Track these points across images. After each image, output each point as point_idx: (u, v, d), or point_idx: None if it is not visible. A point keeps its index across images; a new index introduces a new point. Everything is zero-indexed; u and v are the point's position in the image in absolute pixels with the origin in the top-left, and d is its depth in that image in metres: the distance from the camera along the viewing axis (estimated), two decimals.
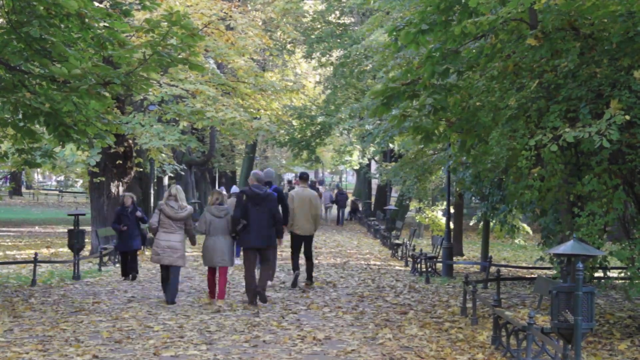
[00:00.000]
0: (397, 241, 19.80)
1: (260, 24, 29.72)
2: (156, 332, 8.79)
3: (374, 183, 38.41)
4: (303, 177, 13.32)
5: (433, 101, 9.71)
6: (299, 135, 35.60)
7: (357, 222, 35.83)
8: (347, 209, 38.73)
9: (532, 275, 14.66)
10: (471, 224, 22.88)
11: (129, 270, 13.92)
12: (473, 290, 9.65)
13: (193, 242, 11.36)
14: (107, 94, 9.80)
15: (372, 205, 37.34)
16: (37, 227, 29.50)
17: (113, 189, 17.81)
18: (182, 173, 27.48)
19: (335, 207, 36.83)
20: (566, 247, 6.45)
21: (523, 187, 9.50)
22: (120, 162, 17.76)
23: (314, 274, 13.26)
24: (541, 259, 13.36)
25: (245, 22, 20.17)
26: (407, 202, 27.68)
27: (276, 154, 57.21)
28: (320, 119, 33.78)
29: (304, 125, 34.74)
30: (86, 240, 15.56)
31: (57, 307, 10.53)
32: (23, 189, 53.43)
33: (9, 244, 21.40)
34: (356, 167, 42.50)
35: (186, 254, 11.62)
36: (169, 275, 10.89)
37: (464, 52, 9.53)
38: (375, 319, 9.88)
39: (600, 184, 8.55)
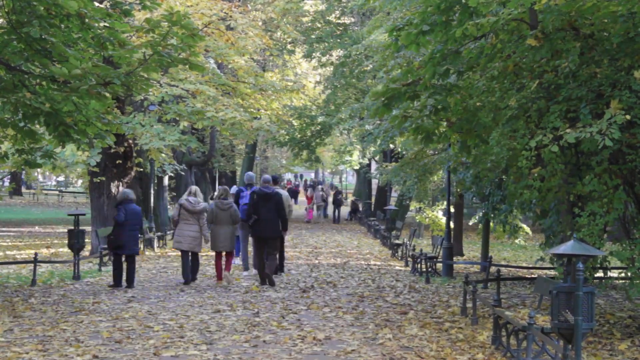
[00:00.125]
0: (397, 241, 19.80)
1: (260, 24, 29.74)
2: (156, 332, 8.79)
3: (374, 183, 38.40)
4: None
5: (434, 101, 9.71)
6: (299, 135, 35.61)
7: (357, 222, 35.84)
8: (347, 209, 38.75)
9: (532, 275, 14.66)
10: (471, 223, 22.88)
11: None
12: (473, 290, 9.65)
13: (205, 233, 13.19)
14: (107, 94, 9.80)
15: (372, 206, 37.34)
16: (37, 227, 29.50)
17: (113, 189, 17.80)
18: (182, 173, 27.47)
19: (330, 206, 37.05)
20: (566, 247, 6.45)
21: (523, 187, 9.50)
22: (120, 162, 17.76)
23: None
24: (542, 259, 13.37)
25: (246, 22, 20.18)
26: (407, 202, 27.68)
27: (276, 154, 57.27)
28: (320, 119, 33.79)
29: (304, 125, 34.75)
30: (86, 240, 15.56)
31: (57, 307, 10.53)
32: (23, 189, 53.45)
33: (9, 244, 21.40)
34: (356, 167, 42.50)
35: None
36: (188, 259, 13.06)
37: (464, 52, 9.52)
38: (375, 319, 9.88)
39: (600, 184, 8.55)
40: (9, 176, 36.95)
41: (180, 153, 25.94)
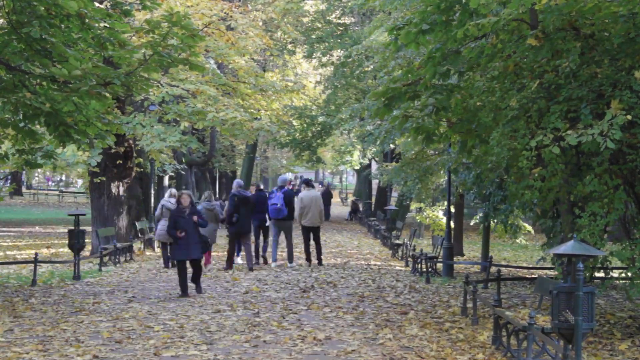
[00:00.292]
0: (397, 241, 19.79)
1: (260, 24, 29.73)
2: (156, 332, 8.79)
3: (374, 183, 38.38)
4: (308, 183, 17.46)
5: (435, 101, 9.70)
6: (300, 136, 35.59)
7: (358, 222, 35.83)
8: (347, 208, 38.70)
9: (533, 276, 14.66)
10: (472, 223, 22.87)
11: (193, 280, 11.94)
12: (473, 290, 9.65)
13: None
14: (107, 94, 9.80)
15: (373, 206, 37.33)
16: (37, 227, 29.51)
17: (113, 189, 17.80)
18: (183, 173, 27.48)
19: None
20: (567, 247, 6.45)
21: (524, 187, 9.50)
22: (121, 162, 17.76)
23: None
24: (543, 259, 13.36)
25: (246, 23, 20.18)
26: (408, 202, 27.68)
27: (276, 154, 57.23)
28: (320, 119, 33.77)
29: (305, 125, 34.74)
30: (86, 240, 15.56)
31: (57, 307, 10.53)
32: (23, 189, 53.47)
33: (9, 244, 21.41)
34: (357, 168, 42.49)
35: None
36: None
37: (464, 52, 9.52)
38: (375, 319, 9.88)
39: (601, 184, 8.55)
40: (10, 176, 36.95)
41: (180, 153, 25.95)
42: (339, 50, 31.85)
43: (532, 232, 19.16)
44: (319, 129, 34.84)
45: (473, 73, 10.46)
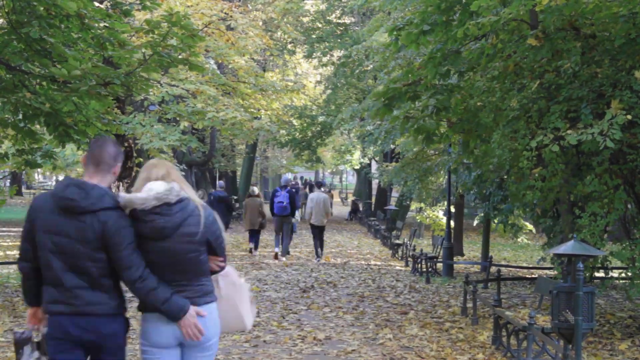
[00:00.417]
0: (397, 241, 19.79)
1: (260, 24, 29.71)
2: None
3: (374, 183, 38.37)
4: (319, 185, 20.07)
5: (436, 101, 9.70)
6: (300, 136, 35.58)
7: (358, 222, 35.82)
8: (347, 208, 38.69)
9: (533, 276, 14.66)
10: (475, 224, 22.86)
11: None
12: (473, 290, 9.64)
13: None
14: (107, 94, 9.79)
15: (373, 206, 37.31)
16: None
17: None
18: (183, 173, 27.50)
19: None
20: (567, 247, 6.45)
21: (525, 187, 9.50)
22: None
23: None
24: (542, 259, 13.35)
25: (246, 22, 20.16)
26: (408, 202, 27.67)
27: (276, 154, 57.22)
28: (321, 119, 33.77)
29: (305, 125, 34.73)
30: None
31: None
32: (23, 189, 53.45)
33: (9, 244, 21.39)
34: (357, 167, 42.48)
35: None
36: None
37: (464, 52, 9.52)
38: (375, 319, 9.88)
39: (601, 184, 8.55)
40: (10, 177, 36.95)
41: (180, 153, 25.94)
42: (339, 50, 31.85)
43: (534, 230, 19.16)
44: (319, 128, 34.84)
45: (473, 73, 10.46)
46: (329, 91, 33.71)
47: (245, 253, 18.57)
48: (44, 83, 9.95)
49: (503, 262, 17.78)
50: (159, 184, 3.84)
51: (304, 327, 9.25)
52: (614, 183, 8.57)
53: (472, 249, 22.22)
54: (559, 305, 6.43)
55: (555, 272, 10.78)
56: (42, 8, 8.93)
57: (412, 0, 13.23)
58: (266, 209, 19.22)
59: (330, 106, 32.31)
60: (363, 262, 17.69)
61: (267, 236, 22.56)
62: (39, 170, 42.85)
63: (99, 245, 3.77)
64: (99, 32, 9.33)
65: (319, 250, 17.80)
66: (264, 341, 8.36)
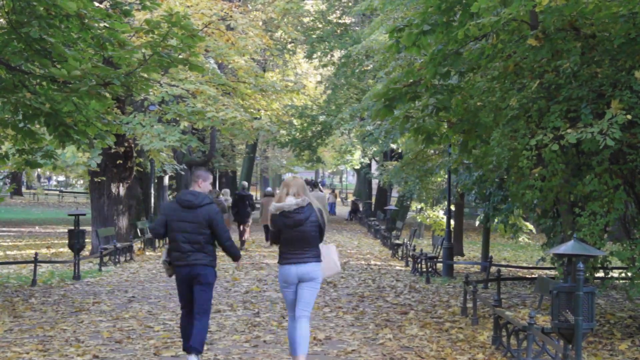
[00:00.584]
0: (397, 241, 19.78)
1: (260, 24, 29.71)
2: (157, 332, 8.79)
3: (374, 183, 38.38)
4: (317, 185, 21.85)
5: (436, 101, 9.70)
6: (300, 136, 35.56)
7: (358, 222, 35.83)
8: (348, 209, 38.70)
9: (533, 276, 14.66)
10: (477, 224, 22.86)
11: None
12: (473, 290, 9.64)
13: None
14: (107, 95, 9.80)
15: (373, 206, 37.32)
16: (37, 227, 29.50)
17: (113, 189, 17.81)
18: (183, 173, 27.48)
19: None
20: (567, 247, 6.44)
21: (525, 187, 9.49)
22: (121, 162, 17.76)
23: None
24: (543, 259, 13.35)
25: (246, 22, 20.15)
26: (408, 202, 27.67)
27: (276, 154, 57.20)
28: (321, 119, 33.76)
29: (305, 125, 34.72)
30: (86, 240, 15.56)
31: (57, 307, 10.53)
32: (23, 189, 53.47)
33: (9, 244, 21.40)
34: (357, 167, 42.47)
35: None
36: None
37: (465, 53, 9.52)
38: (375, 319, 9.88)
39: (601, 184, 8.54)
40: (10, 177, 36.93)
41: (180, 153, 25.93)
42: (339, 50, 31.84)
43: (534, 230, 19.15)
44: (319, 128, 34.83)
45: (473, 74, 10.46)
46: (329, 91, 33.70)
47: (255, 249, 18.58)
48: (44, 83, 9.95)
49: (503, 262, 17.78)
50: (292, 199, 6.87)
51: None
52: (614, 183, 8.57)
53: (472, 249, 22.22)
54: (559, 305, 6.42)
55: (556, 273, 10.78)
56: (42, 8, 8.93)
57: (411, 0, 13.24)
58: None
59: (331, 106, 32.30)
60: (363, 262, 17.69)
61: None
62: (38, 170, 42.82)
63: (205, 225, 6.94)
64: (99, 32, 9.33)
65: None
66: (264, 341, 8.36)
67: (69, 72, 9.16)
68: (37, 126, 11.14)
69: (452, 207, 18.54)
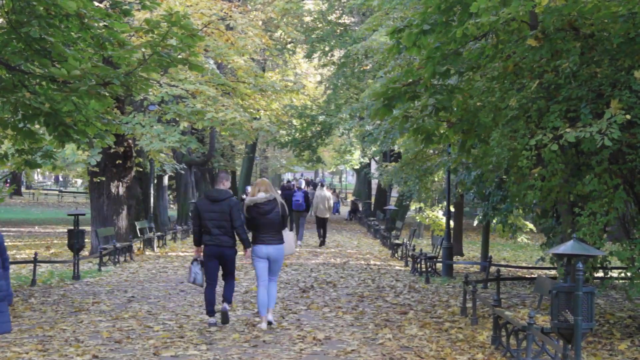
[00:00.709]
0: (397, 241, 19.78)
1: (260, 24, 29.70)
2: (156, 332, 8.79)
3: (374, 183, 38.37)
4: (321, 183, 24.62)
5: (435, 101, 9.69)
6: (300, 136, 35.57)
7: (357, 222, 35.83)
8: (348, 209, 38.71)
9: (532, 275, 14.66)
10: (475, 224, 22.86)
11: None
12: (473, 290, 9.65)
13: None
14: (107, 94, 9.80)
15: (372, 205, 37.31)
16: (37, 227, 29.50)
17: (113, 189, 17.80)
18: (182, 173, 27.49)
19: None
20: (566, 247, 6.45)
21: (525, 187, 9.49)
22: (120, 162, 17.76)
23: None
24: (542, 259, 13.35)
25: (245, 22, 20.15)
26: (407, 202, 27.68)
27: (276, 154, 57.21)
28: (321, 119, 33.75)
29: (305, 125, 34.73)
30: (86, 240, 15.56)
31: (57, 307, 10.53)
32: (23, 189, 53.45)
33: (9, 244, 21.39)
34: (357, 167, 42.47)
35: None
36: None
37: (464, 53, 9.51)
38: (375, 319, 9.88)
39: (600, 183, 8.54)
40: (9, 177, 36.94)
41: (180, 153, 25.94)
42: (339, 50, 31.84)
43: (534, 229, 19.15)
44: (319, 128, 34.84)
45: (473, 73, 10.46)
46: (329, 91, 33.69)
47: None
48: (44, 83, 9.94)
49: (502, 262, 17.78)
50: (263, 194, 9.16)
51: (303, 327, 9.25)
52: (613, 183, 8.57)
53: (471, 249, 22.22)
54: (559, 305, 6.42)
55: (556, 273, 10.78)
56: (41, 8, 8.93)
57: (410, 0, 13.23)
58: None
59: (331, 106, 32.30)
60: (362, 262, 17.69)
61: None
62: (38, 170, 42.85)
63: (228, 214, 9.09)
64: (99, 31, 9.33)
65: (323, 237, 21.94)
66: (264, 341, 8.36)
67: (69, 71, 9.16)
68: (37, 126, 11.13)
69: (452, 208, 18.53)
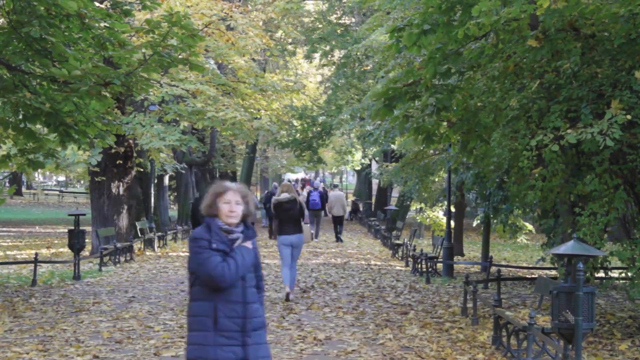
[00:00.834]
0: (397, 241, 19.78)
1: (260, 24, 29.69)
2: (157, 332, 8.79)
3: (374, 183, 38.37)
4: (334, 185, 28.39)
5: (436, 101, 9.69)
6: (301, 136, 35.56)
7: (358, 222, 35.82)
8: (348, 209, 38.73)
9: (533, 276, 14.65)
10: (475, 224, 22.87)
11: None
12: (473, 290, 9.64)
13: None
14: (107, 94, 9.80)
15: (373, 206, 37.31)
16: (37, 227, 29.50)
17: (113, 189, 17.80)
18: (183, 172, 27.50)
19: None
20: (566, 248, 6.44)
21: (526, 188, 9.49)
22: (121, 162, 17.76)
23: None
24: (542, 260, 13.34)
25: (246, 22, 20.15)
26: (408, 202, 27.68)
27: (277, 154, 57.18)
28: (321, 119, 33.74)
29: (306, 125, 34.72)
30: (86, 240, 15.56)
31: (57, 307, 10.53)
32: (23, 189, 53.46)
33: (9, 244, 21.40)
34: (357, 168, 42.46)
35: None
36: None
37: (465, 52, 9.51)
38: (375, 319, 9.88)
39: (601, 184, 8.54)
40: (10, 177, 36.93)
41: (180, 153, 25.95)
42: (339, 50, 31.83)
43: (534, 231, 19.15)
44: (319, 129, 34.83)
45: (473, 73, 10.45)
46: (329, 92, 33.68)
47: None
48: (44, 83, 9.95)
49: (503, 262, 17.77)
50: (286, 194, 11.50)
51: (304, 327, 9.25)
52: (614, 183, 8.57)
53: (472, 249, 22.22)
54: (559, 305, 6.42)
55: (557, 273, 10.78)
56: (42, 8, 8.93)
57: (410, 0, 13.22)
58: None
59: (331, 107, 32.29)
60: (363, 262, 17.69)
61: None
62: (39, 170, 42.79)
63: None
64: (99, 32, 9.34)
65: (338, 233, 24.01)
66: None
67: (70, 72, 9.16)
68: (38, 126, 11.14)
69: (452, 208, 18.53)
